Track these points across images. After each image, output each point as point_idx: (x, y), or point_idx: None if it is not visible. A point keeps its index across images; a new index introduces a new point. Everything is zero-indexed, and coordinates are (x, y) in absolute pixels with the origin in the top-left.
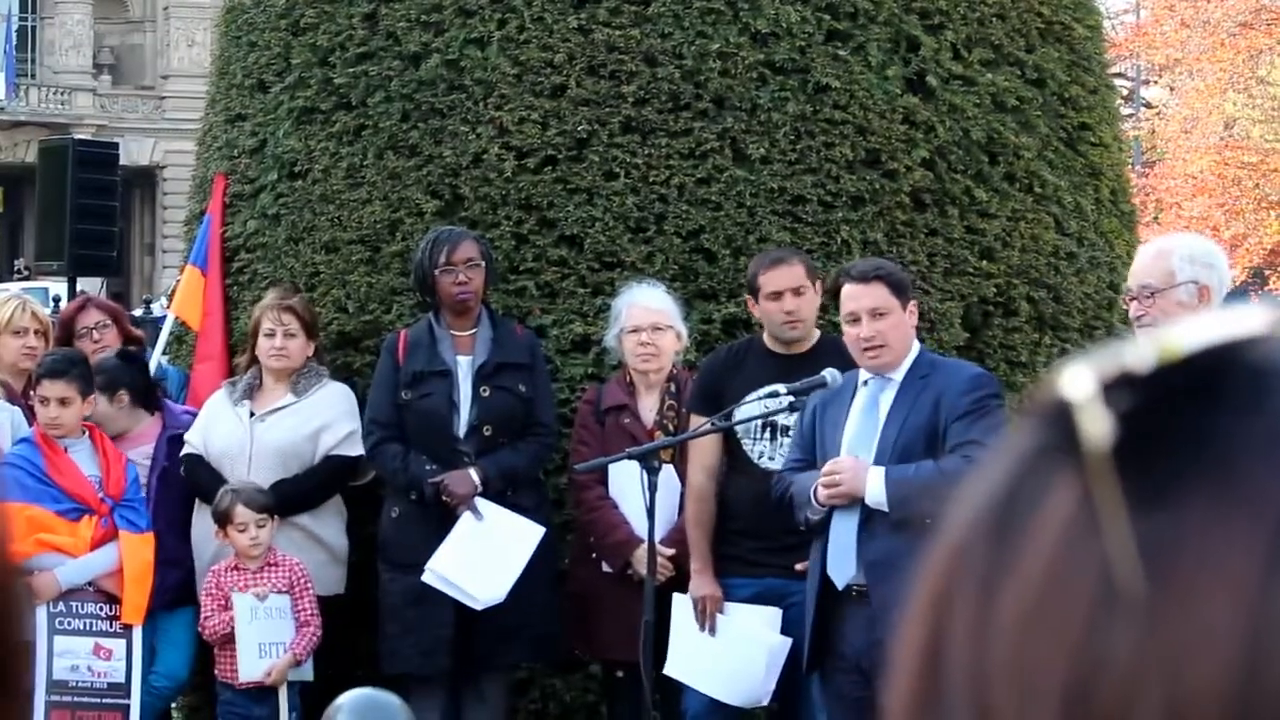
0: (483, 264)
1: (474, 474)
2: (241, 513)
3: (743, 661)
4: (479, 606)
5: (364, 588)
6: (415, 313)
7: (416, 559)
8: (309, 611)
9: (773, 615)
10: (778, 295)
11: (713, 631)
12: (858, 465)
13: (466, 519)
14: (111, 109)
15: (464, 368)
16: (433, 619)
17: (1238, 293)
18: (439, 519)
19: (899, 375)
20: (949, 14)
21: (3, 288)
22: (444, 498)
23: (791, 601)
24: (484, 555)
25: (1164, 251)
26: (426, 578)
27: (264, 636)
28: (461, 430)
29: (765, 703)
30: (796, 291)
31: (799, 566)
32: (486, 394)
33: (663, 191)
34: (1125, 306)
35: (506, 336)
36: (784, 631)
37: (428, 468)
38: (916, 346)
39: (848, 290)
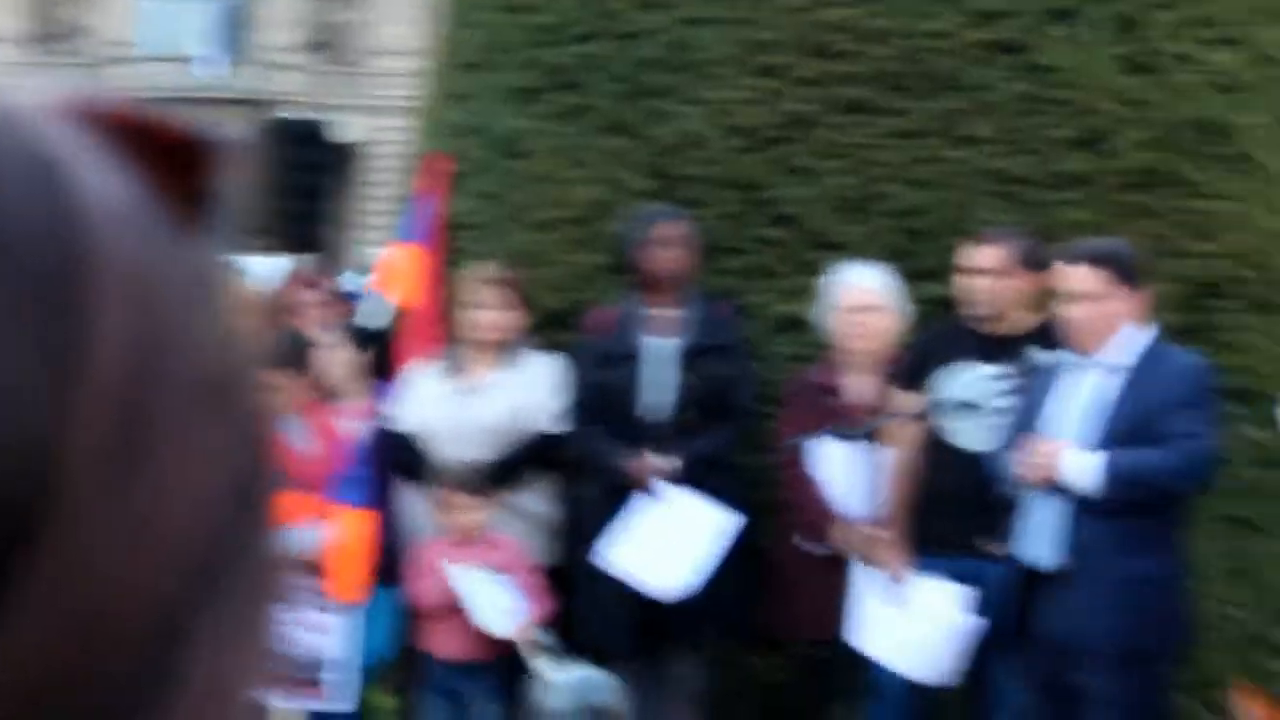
0: (689, 242)
1: (667, 459)
2: (460, 495)
3: (929, 638)
4: (665, 598)
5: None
6: (626, 293)
7: (607, 540)
8: (534, 586)
9: (960, 592)
10: (977, 272)
11: (902, 606)
12: (1059, 449)
13: (654, 504)
14: (321, 86)
15: (665, 350)
16: (619, 601)
17: None
18: (630, 501)
19: (1126, 361)
20: None
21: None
22: (637, 482)
23: (985, 582)
24: (670, 544)
25: None
26: (613, 565)
27: (499, 602)
28: (660, 413)
29: (949, 681)
30: (984, 272)
31: (995, 548)
32: (688, 377)
33: (877, 172)
34: None
35: (710, 317)
36: (977, 612)
37: (622, 451)
38: (1148, 331)
39: (1058, 271)
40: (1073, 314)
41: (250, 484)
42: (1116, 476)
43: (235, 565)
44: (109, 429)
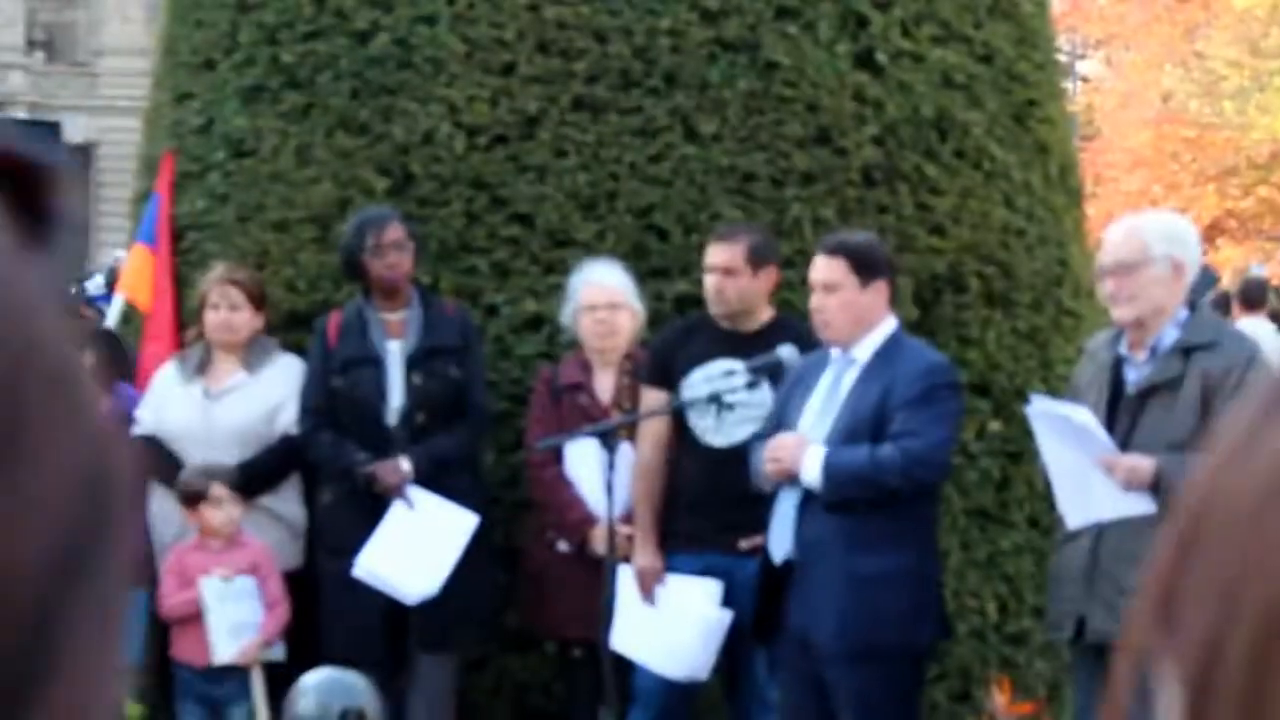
0: (410, 245)
1: (404, 462)
2: (218, 490)
3: (680, 634)
4: (411, 601)
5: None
6: (356, 297)
7: (348, 544)
8: (276, 592)
9: (712, 587)
10: (711, 270)
11: (652, 603)
12: (799, 443)
13: (398, 508)
14: (45, 86)
15: (394, 353)
16: (364, 606)
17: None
18: (371, 506)
19: (864, 356)
20: None
21: None
22: (374, 487)
23: (735, 578)
24: (416, 547)
25: (1136, 229)
26: (357, 572)
27: (235, 617)
28: (392, 417)
29: (704, 677)
30: (726, 270)
31: (743, 544)
32: (417, 380)
33: (614, 169)
34: (1099, 285)
35: (437, 318)
36: (729, 606)
37: (359, 456)
38: (888, 326)
39: (814, 261)
40: (824, 305)
41: (102, 474)
42: (831, 474)
43: (97, 552)
44: None
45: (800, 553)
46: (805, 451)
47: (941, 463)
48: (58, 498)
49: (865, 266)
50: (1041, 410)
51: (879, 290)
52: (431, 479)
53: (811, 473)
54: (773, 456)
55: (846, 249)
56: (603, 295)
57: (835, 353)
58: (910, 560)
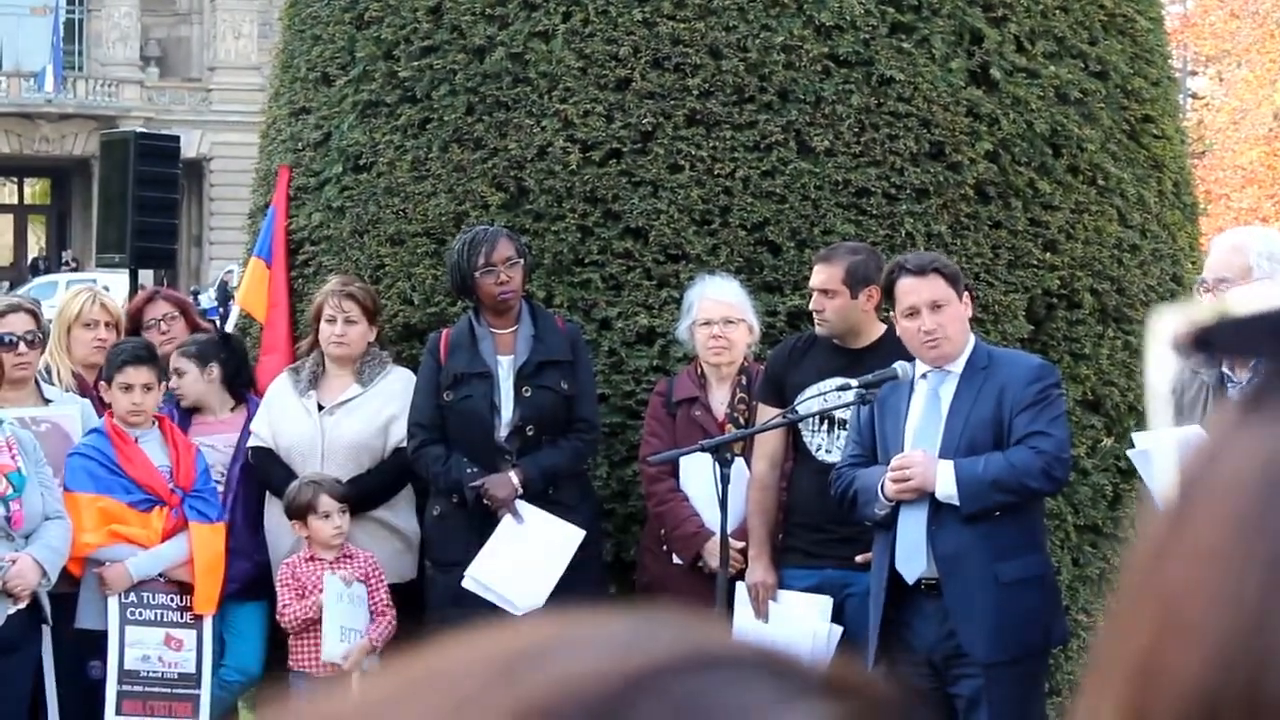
0: (521, 261)
1: (514, 476)
2: (325, 502)
3: (791, 649)
4: (517, 613)
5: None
6: (468, 313)
7: (458, 558)
8: (384, 602)
9: (823, 604)
10: (811, 289)
11: (765, 618)
12: (928, 460)
13: (507, 522)
14: (159, 101)
15: (505, 368)
16: (471, 618)
17: None
18: (480, 520)
19: (958, 368)
20: (1012, 6)
21: (51, 280)
22: (485, 501)
23: (849, 593)
24: (523, 560)
25: (1239, 246)
26: (466, 583)
27: (346, 620)
28: (503, 431)
29: None
30: (825, 291)
31: (859, 558)
32: (528, 394)
33: (727, 184)
34: (1200, 298)
35: (547, 333)
36: (839, 622)
37: (469, 470)
38: (972, 339)
39: (905, 284)
40: (938, 323)
41: None
42: (968, 485)
43: None
44: None
45: (941, 567)
46: (934, 466)
47: (1069, 460)
48: None
49: (955, 280)
50: (1145, 447)
51: (968, 303)
52: (541, 492)
53: (946, 486)
54: (900, 476)
55: (937, 267)
56: (719, 310)
57: (915, 372)
58: (1041, 562)
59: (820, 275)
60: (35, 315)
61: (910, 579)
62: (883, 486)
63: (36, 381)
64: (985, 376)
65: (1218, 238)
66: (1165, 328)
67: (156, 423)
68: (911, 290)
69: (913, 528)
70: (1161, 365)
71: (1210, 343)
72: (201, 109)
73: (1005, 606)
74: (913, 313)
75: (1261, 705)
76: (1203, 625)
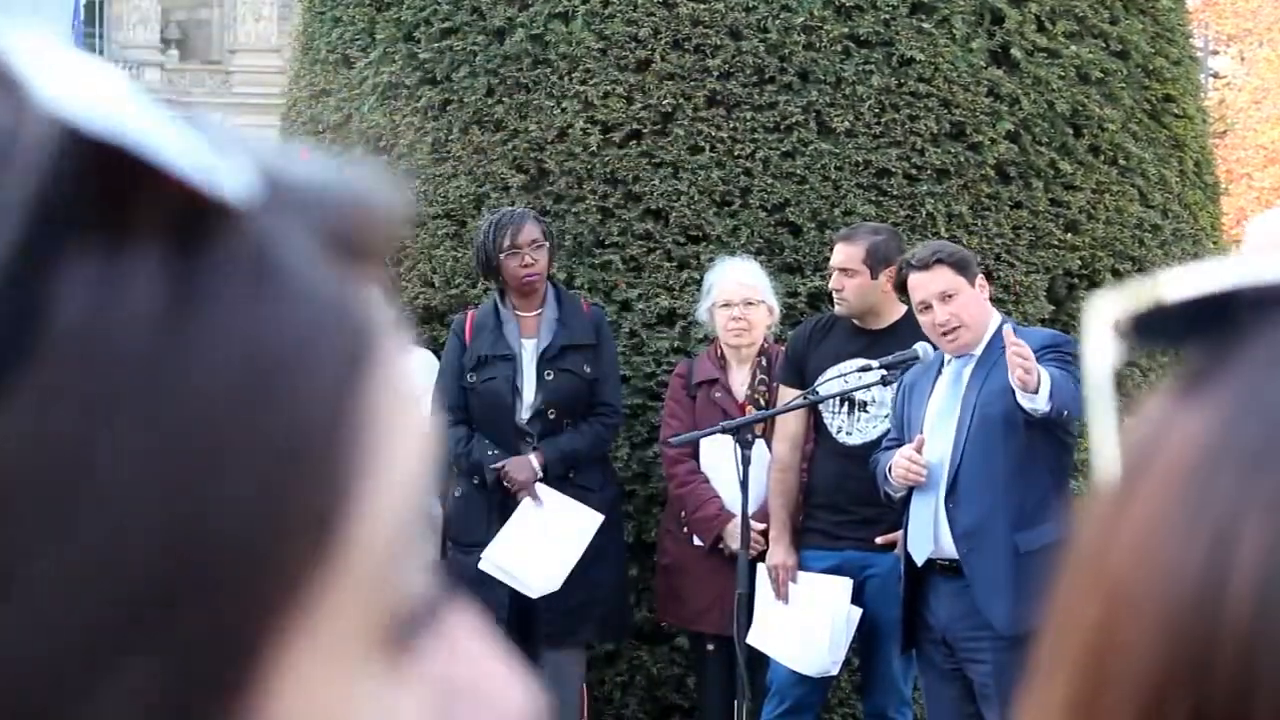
0: (546, 244)
1: (534, 459)
2: None
3: (811, 630)
4: (534, 595)
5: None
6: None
7: (477, 540)
8: None
9: (843, 585)
10: (832, 269)
11: (785, 600)
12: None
13: (527, 505)
14: (179, 84)
15: (528, 351)
16: (490, 601)
17: None
18: (501, 502)
19: (980, 350)
20: None
21: None
22: (505, 483)
23: (869, 574)
24: (541, 543)
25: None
26: (484, 565)
27: None
28: (525, 414)
29: (833, 673)
30: (845, 270)
31: (879, 540)
32: (550, 377)
33: (748, 165)
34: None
35: (571, 316)
36: (859, 603)
37: (490, 452)
38: (997, 318)
39: (913, 280)
40: (951, 313)
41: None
42: (1054, 393)
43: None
44: None
45: (960, 545)
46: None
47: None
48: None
49: (964, 267)
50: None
51: (982, 285)
52: (562, 476)
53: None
54: (908, 469)
55: (941, 258)
56: (739, 292)
57: (945, 355)
58: (1059, 529)
59: (841, 254)
60: None
61: (919, 560)
62: (890, 470)
63: None
64: (999, 353)
65: (1254, 219)
66: (1104, 313)
67: None
68: (919, 285)
69: (923, 510)
70: (1100, 352)
71: (1146, 330)
72: (222, 91)
73: (1026, 576)
74: (925, 306)
75: (1213, 678)
76: (1149, 600)
